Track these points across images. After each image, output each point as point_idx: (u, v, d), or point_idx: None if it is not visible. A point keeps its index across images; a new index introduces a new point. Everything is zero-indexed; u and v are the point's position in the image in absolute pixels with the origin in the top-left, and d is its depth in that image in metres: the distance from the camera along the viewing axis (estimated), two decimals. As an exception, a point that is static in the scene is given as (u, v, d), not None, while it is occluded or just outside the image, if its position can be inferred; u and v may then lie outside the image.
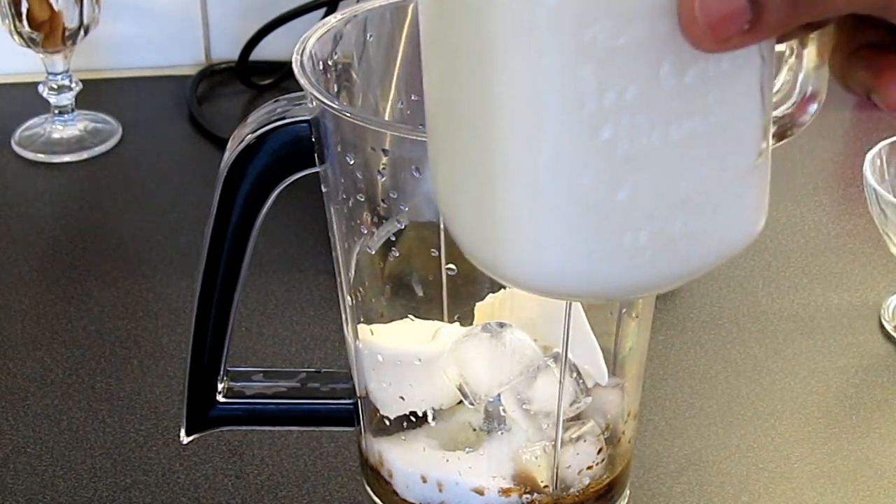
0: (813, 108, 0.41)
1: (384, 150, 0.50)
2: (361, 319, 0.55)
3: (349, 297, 0.55)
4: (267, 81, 1.04)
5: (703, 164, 0.35)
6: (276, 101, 0.53)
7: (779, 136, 0.41)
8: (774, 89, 0.40)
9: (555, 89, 0.33)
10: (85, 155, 0.94)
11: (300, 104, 0.52)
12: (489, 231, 0.36)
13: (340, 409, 0.57)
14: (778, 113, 0.41)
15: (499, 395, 0.52)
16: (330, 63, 0.53)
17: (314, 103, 0.50)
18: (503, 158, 0.35)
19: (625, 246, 0.35)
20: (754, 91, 0.36)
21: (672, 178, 0.35)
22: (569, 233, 0.35)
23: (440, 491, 0.54)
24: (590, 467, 0.54)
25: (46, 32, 0.92)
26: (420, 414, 0.54)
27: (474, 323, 0.54)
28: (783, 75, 0.41)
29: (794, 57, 0.40)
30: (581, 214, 0.34)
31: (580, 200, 0.34)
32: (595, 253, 0.35)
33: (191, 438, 0.58)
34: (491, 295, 0.53)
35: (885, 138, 0.76)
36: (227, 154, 0.52)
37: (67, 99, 0.96)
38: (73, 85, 0.96)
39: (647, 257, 0.35)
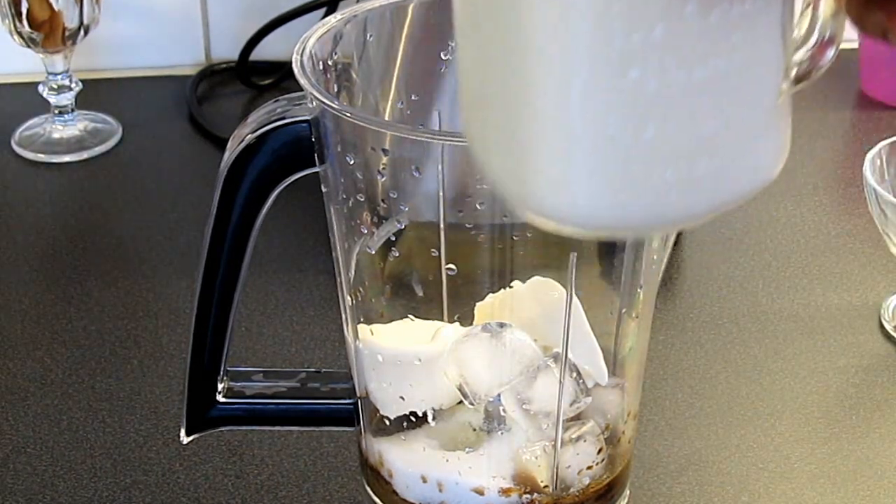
0: (831, 52, 0.42)
1: (384, 150, 0.50)
2: (361, 319, 0.55)
3: (349, 297, 0.55)
4: (267, 81, 1.04)
5: (727, 103, 0.36)
6: (276, 101, 0.53)
7: (798, 79, 0.42)
8: (793, 35, 0.41)
9: (585, 30, 0.34)
10: (85, 155, 0.94)
11: (300, 104, 0.52)
12: (521, 169, 0.37)
13: (340, 409, 0.57)
14: (797, 57, 0.42)
15: (499, 395, 0.52)
16: (330, 63, 0.53)
17: (314, 103, 0.50)
18: (535, 98, 0.36)
19: (651, 183, 0.36)
20: (776, 31, 0.37)
21: (697, 118, 0.36)
22: (598, 170, 0.36)
23: (440, 491, 0.54)
24: (590, 467, 0.54)
25: (46, 32, 0.92)
26: (420, 414, 0.54)
27: (474, 323, 0.54)
28: (801, 22, 0.42)
29: (810, 7, 0.42)
30: (609, 152, 0.35)
31: (609, 139, 0.35)
32: (623, 190, 0.36)
33: (191, 438, 0.58)
34: (491, 295, 0.53)
35: (885, 138, 0.76)
36: (227, 154, 0.52)
37: (67, 99, 0.96)
38: (73, 85, 0.96)
39: (672, 194, 0.36)
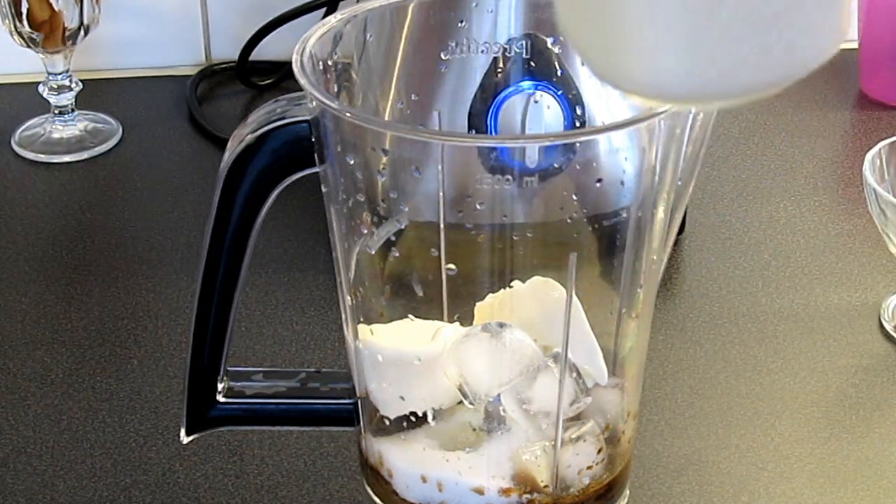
0: None
1: (384, 150, 0.50)
2: (361, 319, 0.55)
3: (349, 297, 0.55)
4: (267, 81, 1.04)
5: None
6: (276, 101, 0.53)
7: None
8: None
9: None
10: (85, 155, 0.94)
11: (300, 104, 0.52)
12: (610, 45, 0.41)
13: (340, 409, 0.57)
14: None
15: (499, 395, 0.52)
16: (330, 63, 0.53)
17: (314, 103, 0.50)
18: None
19: (730, 55, 0.40)
20: None
21: None
22: (681, 45, 0.40)
23: (440, 491, 0.54)
24: (590, 467, 0.54)
25: (46, 32, 0.92)
26: (420, 414, 0.54)
27: (474, 323, 0.54)
28: None
29: None
30: (691, 29, 0.39)
31: (690, 16, 0.39)
32: (704, 62, 0.40)
33: (191, 438, 0.58)
34: (491, 295, 0.53)
35: (885, 138, 0.76)
36: (227, 154, 0.52)
37: (67, 99, 0.96)
38: (73, 85, 0.96)
39: (748, 65, 0.40)
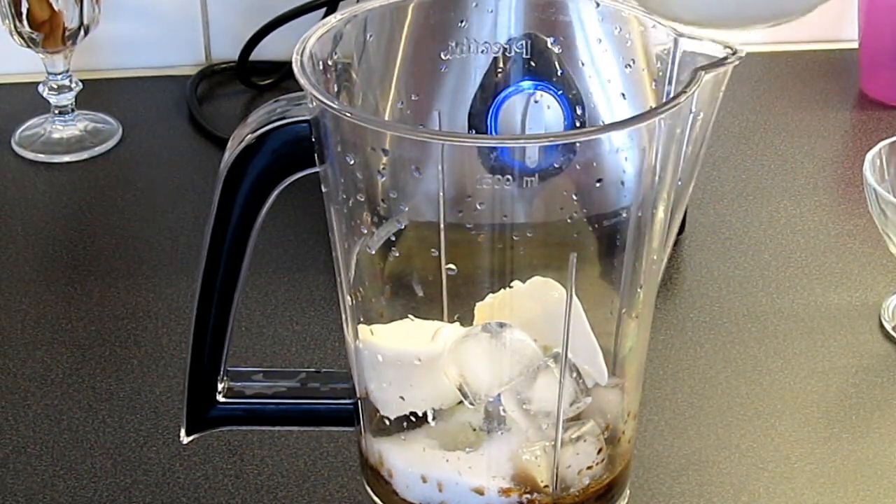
0: None
1: (384, 150, 0.50)
2: (361, 319, 0.55)
3: (349, 297, 0.55)
4: (267, 81, 1.04)
5: None
6: (276, 101, 0.53)
7: None
8: None
9: None
10: (85, 155, 0.94)
11: (300, 104, 0.52)
12: None
13: (340, 409, 0.57)
14: None
15: (499, 395, 0.52)
16: (330, 63, 0.53)
17: (314, 103, 0.50)
18: None
19: None
20: None
21: None
22: None
23: (440, 491, 0.54)
24: (590, 467, 0.54)
25: (46, 32, 0.92)
26: (420, 414, 0.54)
27: (474, 323, 0.54)
28: None
29: None
30: None
31: None
32: None
33: (191, 438, 0.58)
34: (491, 295, 0.53)
35: (885, 138, 0.76)
36: (227, 154, 0.52)
37: (67, 99, 0.96)
38: (73, 85, 0.96)
39: None
